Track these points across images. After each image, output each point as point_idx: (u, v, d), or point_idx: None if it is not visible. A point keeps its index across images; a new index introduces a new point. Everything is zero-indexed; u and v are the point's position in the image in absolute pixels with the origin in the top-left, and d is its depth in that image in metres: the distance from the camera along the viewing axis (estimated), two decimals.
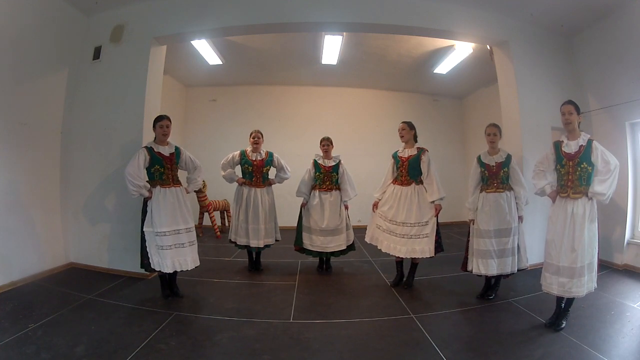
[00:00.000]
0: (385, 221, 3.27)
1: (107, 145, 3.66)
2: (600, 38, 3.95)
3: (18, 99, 3.23)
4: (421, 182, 3.21)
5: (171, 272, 2.86)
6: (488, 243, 2.89)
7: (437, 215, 3.14)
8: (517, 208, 2.93)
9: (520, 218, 2.94)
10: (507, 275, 2.95)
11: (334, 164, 3.77)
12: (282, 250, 4.39)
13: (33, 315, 2.50)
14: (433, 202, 3.13)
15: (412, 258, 3.21)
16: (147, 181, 2.90)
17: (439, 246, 3.15)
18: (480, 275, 2.96)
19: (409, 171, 3.22)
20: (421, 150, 3.22)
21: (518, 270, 2.94)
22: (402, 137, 3.29)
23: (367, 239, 3.42)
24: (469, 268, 3.00)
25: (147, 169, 2.91)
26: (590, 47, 4.10)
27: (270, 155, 3.82)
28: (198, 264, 3.02)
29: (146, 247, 2.84)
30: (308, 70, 6.10)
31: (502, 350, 2.13)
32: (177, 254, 2.86)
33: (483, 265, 2.90)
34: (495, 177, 2.94)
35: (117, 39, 3.76)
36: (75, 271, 3.66)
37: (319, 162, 3.78)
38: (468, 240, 3.05)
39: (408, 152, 3.26)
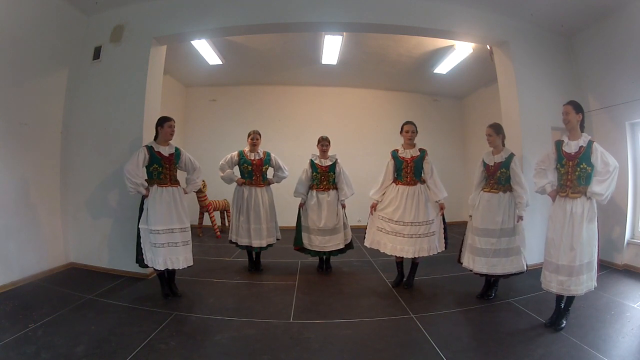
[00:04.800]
0: (389, 223, 3.23)
1: (107, 145, 3.66)
2: (600, 38, 3.95)
3: (18, 99, 3.24)
4: (424, 182, 3.25)
5: (162, 269, 2.89)
6: (477, 240, 2.92)
7: (442, 213, 3.23)
8: (517, 209, 2.86)
9: (519, 218, 2.87)
10: (507, 276, 2.93)
11: (330, 163, 3.78)
12: (282, 250, 4.38)
13: (33, 315, 2.50)
14: (437, 201, 3.20)
15: (412, 258, 3.22)
16: (145, 180, 2.93)
17: (446, 242, 3.23)
18: (471, 271, 2.98)
19: (414, 171, 3.23)
20: (424, 151, 3.27)
21: (516, 273, 2.88)
22: (410, 139, 3.28)
23: (366, 244, 3.37)
24: (462, 260, 3.06)
25: (146, 167, 2.94)
26: (590, 47, 4.10)
27: (267, 154, 3.83)
28: (191, 264, 3.03)
29: (141, 243, 2.89)
30: (308, 70, 6.09)
31: (502, 350, 2.13)
32: (169, 252, 2.89)
33: (472, 261, 2.95)
34: (492, 177, 2.95)
35: (117, 39, 3.75)
36: (75, 271, 3.66)
37: (315, 162, 3.78)
38: (465, 234, 3.10)
39: (410, 153, 3.26)
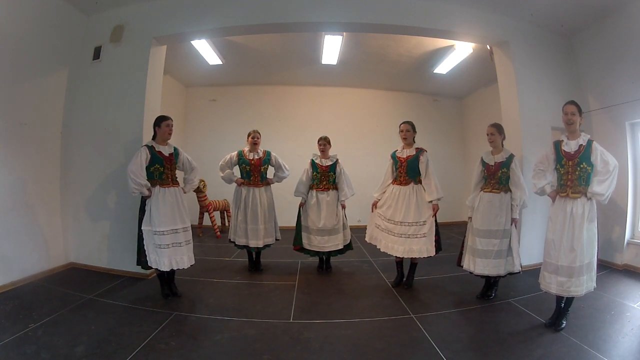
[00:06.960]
0: (383, 220, 3.27)
1: (107, 145, 3.66)
2: (600, 38, 3.95)
3: (18, 99, 3.24)
4: (420, 182, 3.22)
5: (168, 270, 2.88)
6: (478, 242, 2.90)
7: (435, 215, 3.15)
8: (512, 210, 2.85)
9: (513, 220, 2.84)
10: (503, 275, 2.92)
11: (330, 163, 3.77)
12: (282, 250, 4.38)
13: (33, 315, 2.50)
14: (431, 202, 3.14)
15: (411, 258, 3.22)
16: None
17: (438, 246, 3.16)
18: (472, 273, 2.96)
19: (407, 171, 3.22)
20: (420, 151, 3.22)
21: (509, 274, 2.89)
22: (405, 138, 3.27)
23: (366, 239, 3.44)
24: (462, 263, 3.04)
25: (146, 167, 2.90)
26: (590, 47, 4.10)
27: (267, 154, 3.82)
28: (193, 262, 3.05)
29: (143, 245, 2.86)
30: (308, 70, 6.09)
31: (502, 350, 2.13)
32: (174, 253, 2.89)
33: (472, 263, 2.92)
34: (493, 177, 2.93)
35: (117, 39, 3.75)
36: (75, 271, 3.66)
37: (316, 161, 3.78)
38: (465, 236, 3.07)
39: (407, 153, 3.26)
